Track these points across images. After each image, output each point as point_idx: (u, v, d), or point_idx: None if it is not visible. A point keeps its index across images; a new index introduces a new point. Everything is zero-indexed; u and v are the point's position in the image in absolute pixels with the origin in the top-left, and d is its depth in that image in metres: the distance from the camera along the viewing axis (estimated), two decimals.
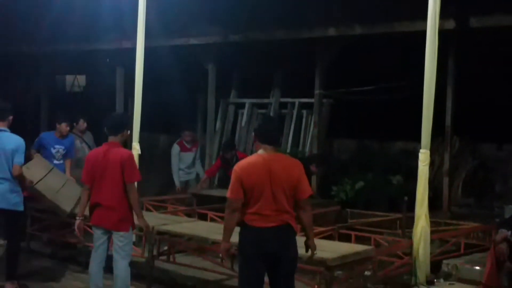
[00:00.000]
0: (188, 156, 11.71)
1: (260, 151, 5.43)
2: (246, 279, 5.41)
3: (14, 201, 7.26)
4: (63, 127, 9.60)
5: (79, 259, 8.41)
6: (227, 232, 5.38)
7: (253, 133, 5.68)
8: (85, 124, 10.77)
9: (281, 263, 5.38)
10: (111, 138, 6.63)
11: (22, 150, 7.25)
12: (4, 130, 7.32)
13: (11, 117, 7.40)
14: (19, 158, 7.22)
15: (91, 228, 6.83)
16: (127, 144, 8.43)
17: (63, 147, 9.68)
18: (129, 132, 7.07)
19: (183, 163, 11.63)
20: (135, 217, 6.55)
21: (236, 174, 5.33)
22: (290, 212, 5.37)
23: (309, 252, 5.54)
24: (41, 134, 10.13)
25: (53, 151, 9.61)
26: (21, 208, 7.33)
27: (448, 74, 10.08)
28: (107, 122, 6.80)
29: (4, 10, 13.14)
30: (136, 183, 6.60)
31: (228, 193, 5.35)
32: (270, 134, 5.48)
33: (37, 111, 15.73)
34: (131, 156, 6.63)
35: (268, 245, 5.32)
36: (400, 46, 10.52)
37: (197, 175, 11.87)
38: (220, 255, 5.47)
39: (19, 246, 7.62)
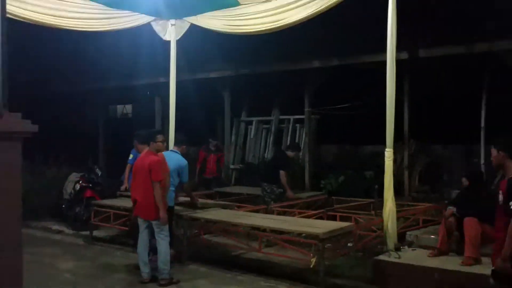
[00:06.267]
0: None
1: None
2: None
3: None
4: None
5: (130, 242, 8.43)
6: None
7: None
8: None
9: None
10: (144, 147, 6.82)
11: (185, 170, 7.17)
12: (176, 152, 7.34)
13: (184, 146, 7.41)
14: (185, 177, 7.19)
15: None
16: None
17: None
18: (164, 143, 6.95)
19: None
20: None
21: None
22: None
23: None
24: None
25: None
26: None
27: (404, 93, 10.13)
28: (138, 136, 7.29)
29: (77, 56, 13.33)
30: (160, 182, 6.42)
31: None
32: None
33: (96, 133, 15.88)
34: (158, 161, 6.51)
35: None
36: (368, 73, 10.53)
37: None
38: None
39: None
